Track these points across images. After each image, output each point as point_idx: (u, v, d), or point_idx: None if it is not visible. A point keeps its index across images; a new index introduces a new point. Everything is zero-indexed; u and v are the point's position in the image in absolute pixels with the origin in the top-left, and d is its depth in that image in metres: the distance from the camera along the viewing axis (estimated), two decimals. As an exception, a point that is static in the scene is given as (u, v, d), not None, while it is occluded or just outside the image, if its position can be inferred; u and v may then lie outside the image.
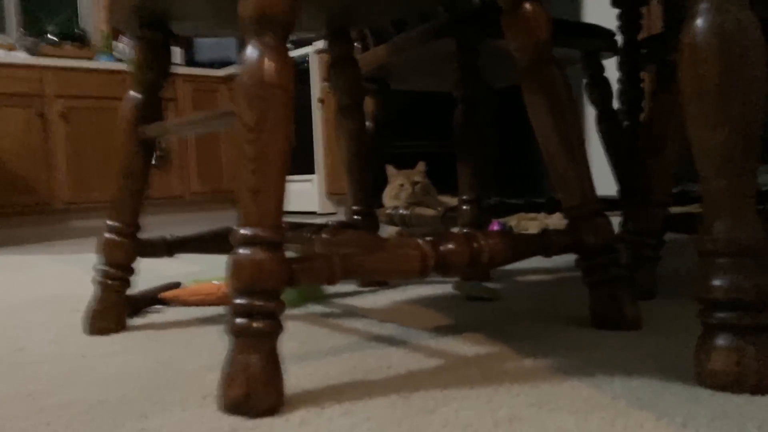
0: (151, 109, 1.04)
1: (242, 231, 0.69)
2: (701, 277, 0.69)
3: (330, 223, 1.32)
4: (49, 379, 0.79)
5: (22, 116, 4.22)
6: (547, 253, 0.90)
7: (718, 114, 0.67)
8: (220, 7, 0.98)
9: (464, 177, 1.39)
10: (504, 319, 1.01)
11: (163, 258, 1.12)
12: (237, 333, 0.67)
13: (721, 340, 0.67)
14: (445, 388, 0.69)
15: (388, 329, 0.97)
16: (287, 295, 1.16)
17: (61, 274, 1.76)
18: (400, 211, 1.64)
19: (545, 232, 0.91)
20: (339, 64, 1.26)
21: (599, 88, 1.64)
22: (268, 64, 0.71)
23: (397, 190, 2.30)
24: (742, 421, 0.58)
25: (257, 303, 0.67)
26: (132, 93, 1.04)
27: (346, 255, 0.74)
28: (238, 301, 0.67)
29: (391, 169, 2.38)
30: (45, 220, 4.31)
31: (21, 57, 4.26)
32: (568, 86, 0.93)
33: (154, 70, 1.02)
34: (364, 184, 1.34)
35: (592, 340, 0.86)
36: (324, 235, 1.01)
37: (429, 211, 1.56)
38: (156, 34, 1.02)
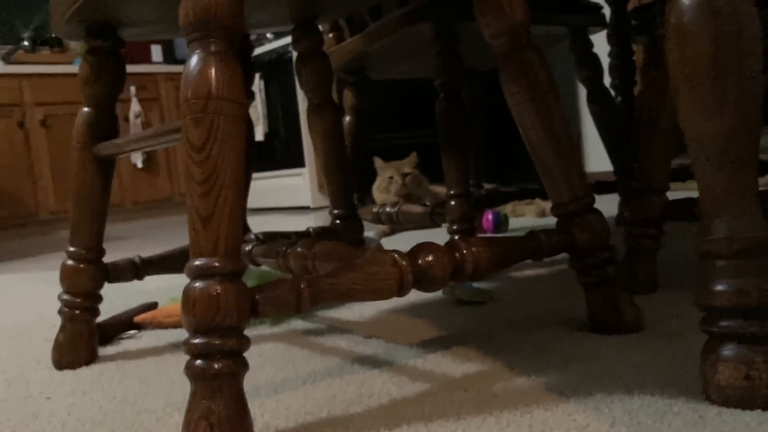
0: (105, 125, 0.97)
1: (195, 262, 0.62)
2: (702, 282, 0.63)
3: (310, 229, 1.26)
4: (9, 428, 0.73)
5: (2, 126, 4.14)
6: (537, 257, 0.83)
7: (713, 101, 0.61)
8: (170, 9, 0.91)
9: (451, 170, 1.33)
10: (497, 326, 0.95)
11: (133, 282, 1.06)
12: (196, 376, 0.61)
13: (726, 351, 0.61)
14: (429, 421, 0.63)
15: (372, 347, 0.91)
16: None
17: (41, 295, 1.70)
18: (387, 209, 1.57)
19: (534, 234, 0.84)
20: (307, 60, 1.19)
21: (588, 66, 1.57)
22: (215, 75, 0.64)
23: (387, 183, 2.23)
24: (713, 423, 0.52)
25: (216, 342, 0.61)
26: (84, 109, 0.97)
27: (315, 280, 0.68)
28: (194, 340, 0.61)
29: (378, 162, 2.31)
30: (31, 231, 4.24)
31: (-3, 66, 4.18)
32: (550, 73, 0.86)
33: (103, 82, 0.95)
34: (343, 186, 1.27)
35: (590, 349, 0.80)
36: (299, 249, 0.95)
37: (417, 208, 1.50)
38: (103, 42, 0.95)
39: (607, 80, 1.66)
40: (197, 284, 0.62)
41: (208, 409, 0.60)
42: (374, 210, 1.63)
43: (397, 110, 3.83)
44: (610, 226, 0.92)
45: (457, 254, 0.76)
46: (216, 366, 0.61)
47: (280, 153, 4.22)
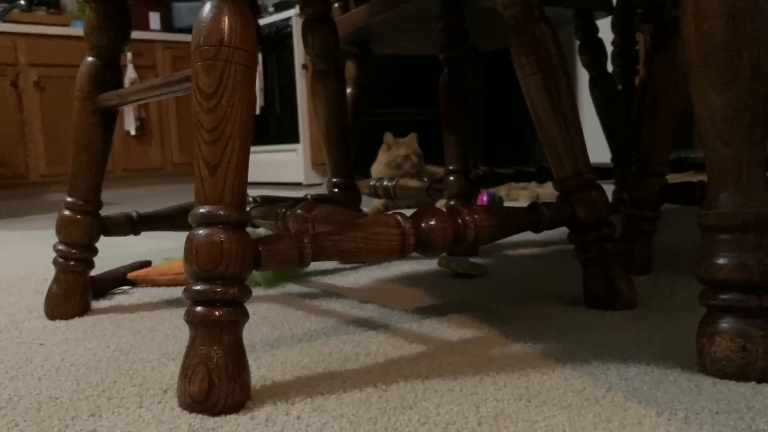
0: (109, 76, 0.96)
1: (200, 209, 0.62)
2: (703, 255, 0.63)
3: (308, 196, 1.25)
4: (2, 372, 0.73)
5: (-5, 86, 4.09)
6: (537, 229, 0.84)
7: (725, 76, 0.61)
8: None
9: (450, 146, 1.33)
10: (492, 298, 0.95)
11: (129, 236, 1.06)
12: (196, 322, 0.61)
13: (725, 324, 0.61)
14: (425, 379, 0.64)
15: (368, 311, 0.91)
16: (262, 273, 1.10)
17: (31, 252, 1.69)
18: (385, 183, 1.57)
19: (535, 206, 0.84)
20: (314, 25, 1.18)
21: (593, 50, 1.57)
22: (228, 23, 0.63)
23: (402, 161, 2.23)
24: (749, 414, 0.52)
25: (218, 289, 0.61)
26: (88, 59, 0.96)
27: (318, 235, 0.68)
28: (196, 287, 0.61)
29: (390, 138, 2.30)
30: (21, 193, 4.21)
31: (-9, 23, 4.11)
32: (560, 47, 0.86)
33: (108, 33, 0.94)
34: (344, 155, 1.27)
35: (585, 322, 0.80)
36: (298, 211, 0.95)
37: (414, 183, 1.50)
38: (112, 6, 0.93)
39: (609, 68, 1.66)
40: (201, 231, 0.61)
41: (207, 356, 0.60)
42: (371, 183, 1.63)
43: (397, 86, 3.81)
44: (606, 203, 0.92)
45: (459, 220, 0.76)
46: (217, 313, 0.61)
47: (275, 128, 4.19)
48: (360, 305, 0.94)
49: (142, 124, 4.60)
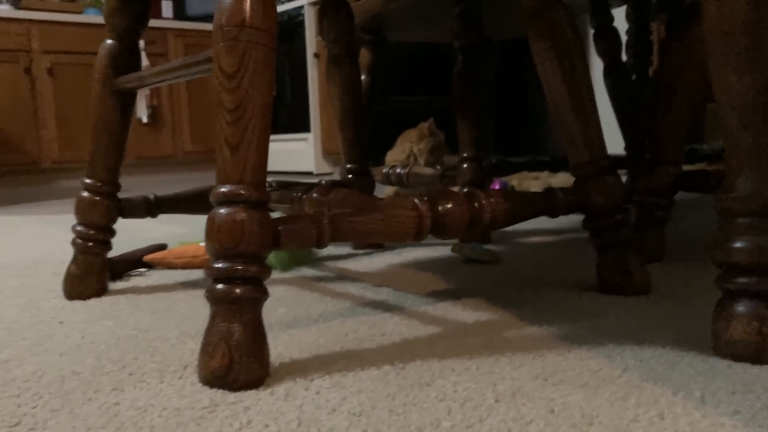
0: (128, 58, 0.97)
1: (221, 188, 0.63)
2: (720, 239, 0.64)
3: (322, 182, 1.26)
4: (24, 347, 0.74)
5: (8, 72, 4.11)
6: (553, 213, 0.84)
7: (745, 59, 0.61)
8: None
9: (464, 133, 1.33)
10: (505, 283, 0.96)
11: (146, 219, 1.07)
12: (217, 300, 0.62)
13: (741, 307, 0.62)
14: (442, 359, 0.64)
15: (383, 294, 0.92)
16: (276, 257, 1.11)
17: (46, 236, 1.71)
18: (398, 171, 1.57)
19: (551, 191, 0.85)
20: (330, 10, 1.18)
21: (607, 39, 1.56)
22: (249, 4, 0.64)
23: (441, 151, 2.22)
24: (765, 395, 0.53)
25: (238, 267, 0.61)
26: (107, 41, 0.97)
27: (336, 216, 0.68)
28: (217, 265, 0.62)
29: (434, 127, 2.27)
30: (33, 180, 4.23)
31: (4, 10, 4.13)
32: (578, 32, 0.86)
33: (128, 14, 0.94)
34: (358, 141, 1.28)
35: (599, 307, 0.81)
36: (314, 195, 0.95)
37: (427, 170, 1.50)
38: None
39: (623, 58, 1.66)
40: (222, 210, 0.62)
41: (228, 332, 0.61)
42: (384, 171, 1.63)
43: (410, 74, 3.81)
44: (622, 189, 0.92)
45: (475, 204, 0.76)
46: (237, 291, 0.61)
47: (286, 117, 4.20)
48: (374, 288, 0.95)
49: (154, 112, 4.62)
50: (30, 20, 4.17)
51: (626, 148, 1.65)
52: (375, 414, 0.53)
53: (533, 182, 2.26)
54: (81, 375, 0.65)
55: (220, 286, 0.62)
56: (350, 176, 1.29)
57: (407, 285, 0.97)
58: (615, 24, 1.59)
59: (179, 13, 4.89)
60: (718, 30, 0.62)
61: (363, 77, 1.66)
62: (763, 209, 0.61)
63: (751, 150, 0.62)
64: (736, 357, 0.61)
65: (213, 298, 0.62)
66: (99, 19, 4.36)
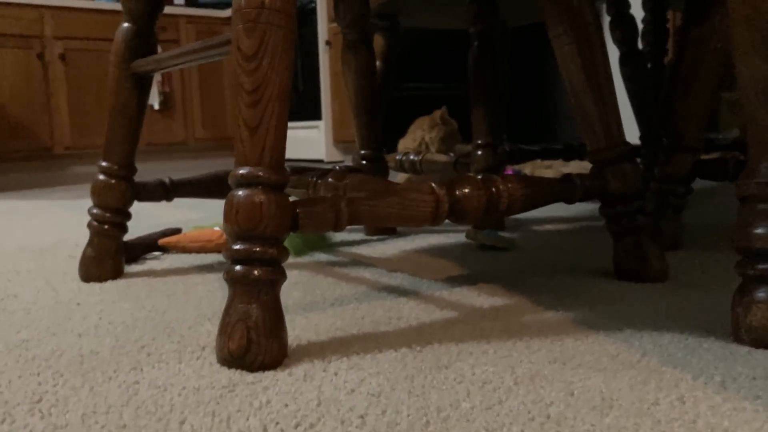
0: (144, 42, 0.97)
1: (240, 171, 0.63)
2: (741, 224, 0.63)
3: (337, 167, 1.26)
4: (42, 328, 0.75)
5: (21, 58, 4.12)
6: (571, 200, 0.84)
7: (771, 43, 0.60)
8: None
9: (479, 120, 1.32)
10: (521, 269, 0.96)
11: (161, 203, 1.07)
12: (236, 281, 0.62)
13: (761, 294, 0.61)
14: (460, 342, 0.64)
15: (398, 279, 0.92)
16: (291, 242, 1.11)
17: (60, 221, 1.72)
18: (411, 158, 1.57)
19: (568, 177, 0.84)
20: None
21: (624, 26, 1.55)
22: (269, -14, 0.63)
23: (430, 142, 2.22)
24: (744, 364, 0.53)
25: (257, 249, 0.62)
26: (124, 25, 0.97)
27: (354, 199, 0.68)
28: (236, 246, 0.62)
29: (445, 114, 2.27)
30: (46, 165, 4.25)
31: (18, -5, 4.14)
32: (597, 16, 0.85)
33: (147, 2, 0.94)
34: (373, 127, 1.27)
35: (616, 293, 0.80)
36: (330, 180, 0.95)
37: (441, 157, 1.49)
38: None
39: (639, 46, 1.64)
40: (241, 192, 0.62)
41: (246, 313, 0.61)
42: (397, 158, 1.63)
43: (424, 60, 3.79)
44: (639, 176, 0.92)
45: (493, 189, 0.76)
46: (255, 272, 0.62)
47: (297, 105, 4.20)
48: (389, 274, 0.95)
49: (166, 99, 4.62)
50: (43, 5, 4.18)
51: (641, 137, 1.64)
52: (394, 395, 0.53)
53: (546, 171, 2.25)
54: (100, 355, 0.65)
55: (238, 267, 0.62)
56: (364, 162, 1.29)
57: (422, 270, 0.97)
58: (632, 12, 1.57)
59: (190, 0, 4.89)
60: (741, 14, 0.61)
61: (378, 63, 1.66)
62: (786, 195, 0.60)
63: (775, 135, 0.61)
64: (757, 343, 0.61)
65: (232, 279, 0.62)
66: (111, 5, 4.36)
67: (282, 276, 0.63)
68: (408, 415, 0.49)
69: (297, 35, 4.24)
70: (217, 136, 4.86)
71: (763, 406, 0.48)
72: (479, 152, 1.32)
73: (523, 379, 0.55)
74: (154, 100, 4.61)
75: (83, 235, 1.42)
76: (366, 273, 0.96)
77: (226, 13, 4.76)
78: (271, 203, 0.62)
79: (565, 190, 0.83)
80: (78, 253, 1.21)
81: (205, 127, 4.83)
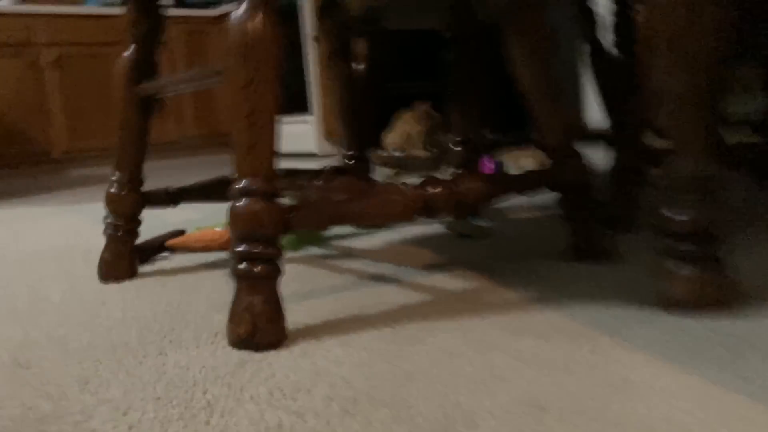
0: (147, 66, 1.08)
1: (240, 183, 0.74)
2: (661, 210, 0.75)
3: (325, 168, 1.37)
4: (75, 324, 0.87)
5: (14, 66, 4.21)
6: (524, 192, 0.95)
7: (671, 62, 0.72)
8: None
9: (456, 117, 1.44)
10: (492, 255, 1.08)
11: (167, 208, 1.18)
12: (240, 277, 0.74)
13: (682, 270, 0.73)
14: (433, 321, 0.76)
15: (383, 268, 1.04)
16: (287, 239, 1.23)
17: (68, 225, 1.83)
18: (396, 154, 1.68)
19: (526, 173, 0.96)
20: (327, 10, 1.28)
21: (584, 21, 1.65)
22: (258, 22, 0.75)
23: (416, 137, 2.34)
24: (687, 337, 0.65)
25: (256, 250, 0.73)
26: (130, 48, 1.07)
27: (339, 202, 0.80)
28: (239, 248, 0.74)
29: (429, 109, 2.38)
30: (44, 169, 4.35)
31: (6, 4, 4.22)
32: (547, 28, 0.97)
33: (147, 24, 1.05)
34: (356, 129, 1.39)
35: (570, 273, 0.93)
36: (318, 182, 1.07)
37: (424, 154, 1.61)
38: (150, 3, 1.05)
39: (610, 38, 1.75)
40: (242, 202, 0.74)
41: (250, 304, 0.73)
42: (383, 155, 1.74)
43: (404, 60, 3.89)
44: (593, 169, 1.03)
45: (458, 187, 0.88)
46: (257, 269, 0.73)
47: (288, 99, 4.30)
48: (375, 264, 1.07)
49: (158, 99, 4.71)
50: (33, 14, 4.26)
51: (611, 127, 1.75)
52: (375, 365, 0.65)
53: (526, 160, 2.37)
54: (129, 344, 0.77)
55: (242, 265, 0.74)
56: (349, 162, 1.40)
57: (405, 259, 1.09)
58: (602, 5, 1.68)
59: (179, 1, 4.96)
60: (646, 37, 0.73)
61: (362, 66, 1.77)
62: (697, 187, 0.72)
63: (682, 138, 0.73)
64: (679, 312, 0.73)
65: (237, 275, 0.74)
66: (100, 10, 4.45)
67: (279, 271, 0.75)
68: (385, 379, 0.61)
69: (282, 60, 4.32)
70: (208, 133, 4.96)
71: (663, 358, 0.60)
72: (457, 148, 1.43)
73: (481, 349, 0.67)
74: (147, 101, 4.68)
75: (92, 239, 1.54)
76: (355, 264, 1.08)
77: (215, 11, 4.85)
78: (266, 210, 0.74)
79: (521, 184, 0.95)
80: (91, 257, 1.32)
81: (198, 125, 4.93)
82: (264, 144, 0.75)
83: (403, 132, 2.42)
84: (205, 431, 0.54)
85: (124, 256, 1.11)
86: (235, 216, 0.74)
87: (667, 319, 0.71)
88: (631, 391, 0.55)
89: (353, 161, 1.40)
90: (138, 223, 1.12)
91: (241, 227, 0.73)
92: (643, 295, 0.80)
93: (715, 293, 0.72)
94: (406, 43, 3.88)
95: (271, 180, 0.75)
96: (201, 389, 0.62)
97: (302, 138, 4.23)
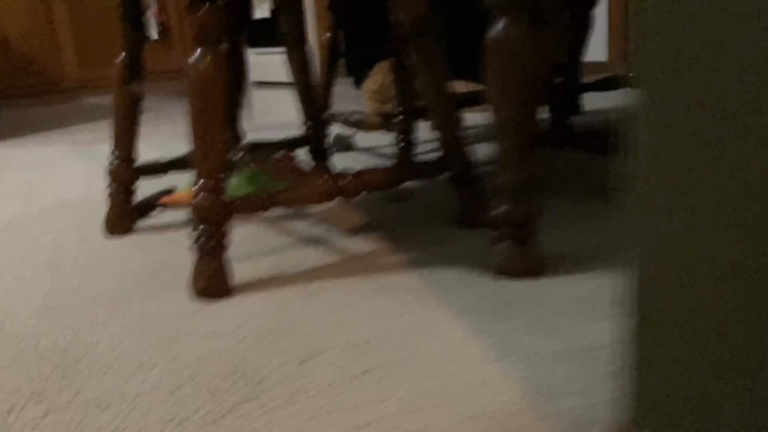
0: (134, 69, 1.37)
1: (199, 182, 1.06)
2: (494, 204, 1.06)
3: (285, 140, 1.68)
4: (87, 275, 1.21)
5: (25, -1, 4.43)
6: (422, 178, 1.26)
7: (498, 99, 1.01)
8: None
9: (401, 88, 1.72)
10: (401, 219, 1.40)
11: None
12: (198, 249, 1.07)
13: (502, 246, 1.05)
14: (333, 279, 1.10)
15: (318, 230, 1.36)
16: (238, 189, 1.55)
17: (82, 173, 2.16)
18: (353, 118, 1.97)
19: (422, 161, 1.26)
20: (286, 11, 1.55)
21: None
22: (207, 66, 1.04)
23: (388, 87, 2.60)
24: (489, 296, 0.97)
25: (209, 230, 1.06)
26: (121, 55, 1.36)
27: (271, 194, 1.11)
28: (197, 230, 1.06)
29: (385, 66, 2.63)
30: (57, 98, 4.65)
31: (16, -60, 4.38)
32: (442, 52, 1.25)
33: (134, 34, 1.34)
34: (312, 105, 1.68)
35: (445, 238, 1.25)
36: (273, 161, 1.38)
37: (374, 120, 1.90)
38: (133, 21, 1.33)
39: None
40: (199, 197, 1.06)
41: (206, 268, 1.06)
42: (343, 117, 2.03)
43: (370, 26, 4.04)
44: (469, 152, 1.33)
45: (364, 178, 1.19)
46: (209, 244, 1.06)
47: (268, 32, 4.49)
48: (314, 226, 1.40)
49: (164, 29, 4.93)
50: (40, -52, 4.42)
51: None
52: (286, 310, 0.98)
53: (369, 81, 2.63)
54: (123, 292, 1.11)
55: (199, 241, 1.06)
56: (309, 131, 1.70)
57: (339, 221, 1.41)
58: None
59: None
60: (492, 73, 1.01)
61: (327, 35, 2.03)
62: (517, 188, 1.03)
63: (511, 153, 1.03)
64: (502, 276, 1.05)
65: (196, 248, 1.07)
66: (103, -58, 4.59)
67: (226, 245, 1.08)
68: (290, 322, 0.95)
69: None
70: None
71: (461, 311, 0.93)
72: (400, 117, 1.72)
73: (353, 302, 1.00)
74: (153, 31, 4.92)
75: (103, 191, 1.87)
76: (300, 225, 1.41)
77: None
78: (215, 204, 1.06)
79: (416, 172, 1.25)
80: (100, 210, 1.66)
81: (202, 55, 5.13)
82: (213, 155, 1.06)
83: (377, 80, 2.68)
84: (166, 355, 0.88)
85: (125, 215, 1.44)
86: (194, 207, 1.06)
87: (488, 284, 1.04)
88: (429, 331, 0.88)
89: (311, 130, 1.70)
90: (134, 189, 1.44)
91: (199, 215, 1.06)
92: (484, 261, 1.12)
93: (524, 264, 1.04)
94: (374, 10, 4.02)
95: (219, 180, 1.07)
96: (169, 328, 0.96)
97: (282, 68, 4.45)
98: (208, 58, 1.04)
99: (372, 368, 0.81)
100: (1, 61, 4.45)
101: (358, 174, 1.19)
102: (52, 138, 2.97)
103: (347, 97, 3.16)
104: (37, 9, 4.49)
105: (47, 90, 4.61)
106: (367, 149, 2.17)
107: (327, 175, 1.17)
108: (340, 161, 2.01)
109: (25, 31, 4.48)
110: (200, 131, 1.05)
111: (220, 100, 1.06)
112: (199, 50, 1.04)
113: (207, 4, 1.03)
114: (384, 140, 2.28)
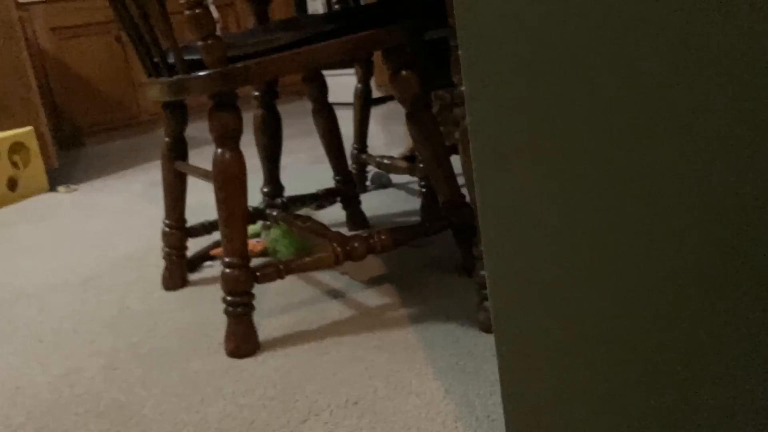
0: (179, 147, 1.59)
1: (226, 258, 1.26)
2: (480, 264, 1.20)
3: (319, 192, 1.86)
4: (143, 332, 1.43)
5: (102, 42, 4.83)
6: (427, 235, 1.41)
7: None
8: None
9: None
10: (412, 269, 1.55)
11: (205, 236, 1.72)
12: (229, 314, 1.27)
13: (487, 304, 1.19)
14: (343, 336, 1.27)
15: (340, 282, 1.54)
16: (287, 250, 1.74)
17: (150, 222, 2.43)
18: (385, 161, 2.14)
19: (423, 222, 1.42)
20: (313, 80, 1.74)
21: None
22: (228, 160, 1.23)
23: None
24: (471, 354, 1.12)
25: (236, 299, 1.26)
26: (165, 139, 1.59)
27: (288, 262, 1.30)
28: (227, 297, 1.26)
29: None
30: (135, 131, 5.04)
31: (91, -7, 4.77)
32: (437, 123, 1.40)
33: (176, 120, 1.55)
34: (341, 161, 1.86)
35: (451, 287, 1.39)
36: (298, 223, 1.57)
37: (402, 164, 2.06)
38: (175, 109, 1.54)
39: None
40: (227, 271, 1.25)
41: (235, 330, 1.26)
42: (377, 160, 2.20)
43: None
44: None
45: (371, 241, 1.35)
46: (238, 310, 1.26)
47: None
48: (338, 278, 1.58)
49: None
50: (113, -3, 4.80)
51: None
52: (296, 374, 1.17)
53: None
54: (171, 350, 1.32)
55: (229, 308, 1.26)
56: (337, 183, 1.88)
57: (359, 272, 1.58)
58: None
59: (236, -34, 5.35)
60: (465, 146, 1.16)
61: (360, 86, 2.20)
62: (493, 257, 1.17)
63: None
64: (486, 332, 1.20)
65: (227, 313, 1.27)
66: (169, -15, 4.93)
67: (252, 309, 1.27)
68: (299, 382, 1.13)
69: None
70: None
71: (434, 365, 1.08)
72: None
73: (356, 359, 1.17)
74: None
75: (166, 238, 2.11)
76: (325, 276, 1.59)
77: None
78: (242, 275, 1.25)
79: (420, 230, 1.41)
80: (161, 263, 1.90)
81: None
82: (237, 235, 1.26)
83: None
84: (196, 416, 1.08)
85: (177, 274, 1.67)
86: (223, 279, 1.26)
87: (473, 339, 1.18)
88: (410, 391, 1.04)
89: (340, 183, 1.88)
90: (185, 249, 1.67)
91: (228, 286, 1.26)
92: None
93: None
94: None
95: (244, 257, 1.26)
96: (202, 387, 1.17)
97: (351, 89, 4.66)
98: (228, 155, 1.24)
99: (357, 428, 0.98)
100: (86, 100, 4.87)
101: (365, 239, 1.35)
102: (128, 178, 3.29)
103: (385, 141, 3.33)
104: (115, 50, 4.89)
105: (126, 124, 5.00)
106: (403, 185, 2.33)
107: (337, 242, 1.34)
108: (377, 197, 2.18)
109: (104, 71, 4.88)
110: (224, 217, 1.25)
111: (241, 190, 1.25)
112: (220, 149, 1.24)
113: (226, 112, 1.23)
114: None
